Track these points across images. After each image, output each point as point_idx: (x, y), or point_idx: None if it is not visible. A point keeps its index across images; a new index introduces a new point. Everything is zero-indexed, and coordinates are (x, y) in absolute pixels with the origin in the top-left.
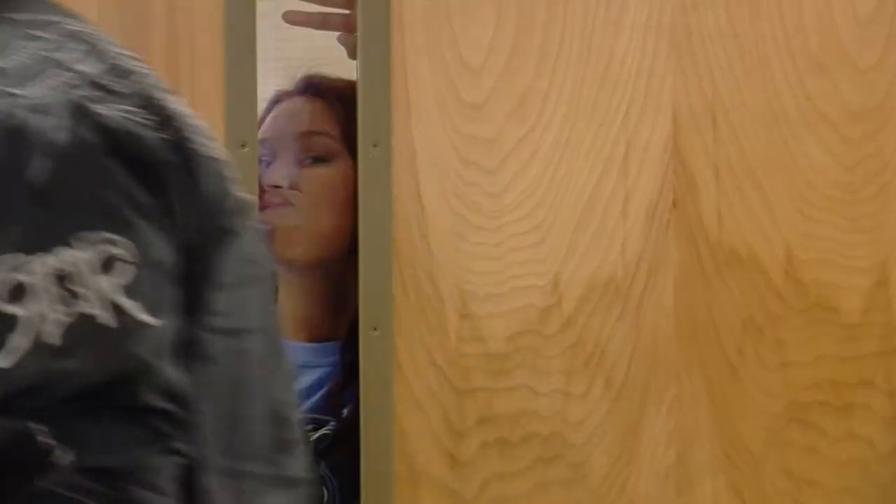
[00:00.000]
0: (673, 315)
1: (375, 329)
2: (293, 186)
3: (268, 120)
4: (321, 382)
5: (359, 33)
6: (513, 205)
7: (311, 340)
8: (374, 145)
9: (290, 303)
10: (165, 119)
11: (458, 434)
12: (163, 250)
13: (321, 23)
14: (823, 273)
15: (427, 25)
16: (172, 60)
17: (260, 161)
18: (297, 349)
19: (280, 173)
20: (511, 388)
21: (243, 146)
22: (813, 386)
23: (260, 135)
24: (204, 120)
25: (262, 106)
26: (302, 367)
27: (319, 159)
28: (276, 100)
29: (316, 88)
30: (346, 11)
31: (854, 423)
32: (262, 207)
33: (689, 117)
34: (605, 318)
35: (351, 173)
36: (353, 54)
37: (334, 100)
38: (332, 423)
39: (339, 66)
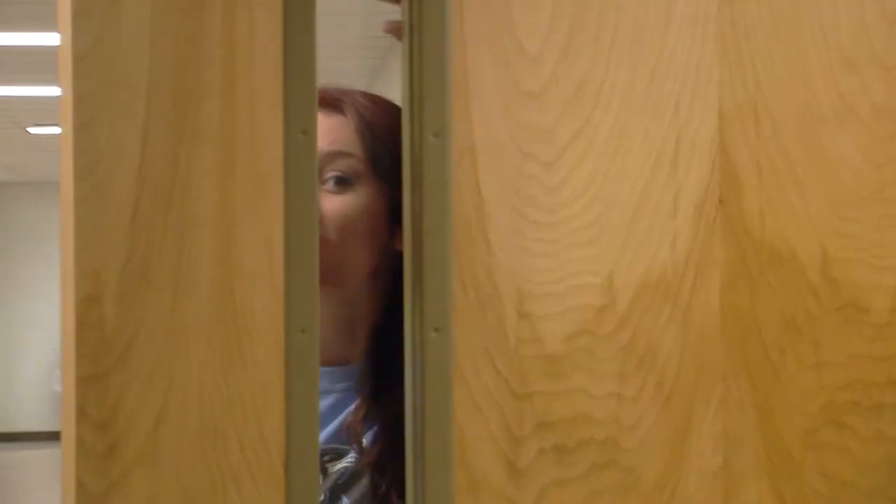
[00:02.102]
0: (719, 315)
1: (437, 330)
2: (320, 212)
3: None
4: (336, 409)
5: (414, 19)
6: (570, 199)
7: (323, 364)
8: (435, 135)
9: None
10: None
11: (516, 440)
12: None
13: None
14: (855, 272)
15: (485, 11)
16: (230, 44)
17: None
18: None
19: None
20: (568, 391)
21: (304, 133)
22: (846, 386)
23: None
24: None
25: None
26: None
27: (342, 181)
28: None
29: (334, 102)
30: None
31: (883, 423)
32: None
33: (734, 111)
34: (656, 319)
35: (375, 196)
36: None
37: (355, 115)
38: (352, 455)
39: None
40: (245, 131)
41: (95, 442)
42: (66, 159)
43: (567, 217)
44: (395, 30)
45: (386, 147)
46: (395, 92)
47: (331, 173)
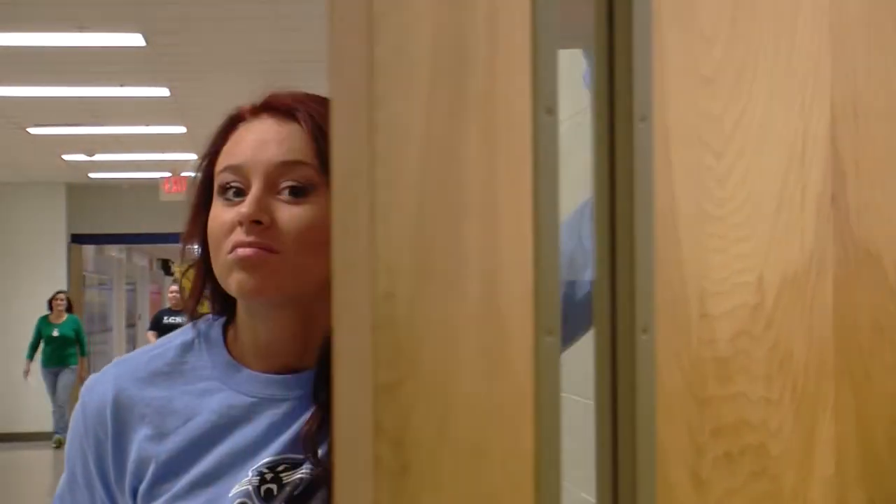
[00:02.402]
0: (832, 316)
1: (645, 331)
2: (273, 223)
3: (231, 143)
4: (291, 417)
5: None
6: (733, 192)
7: (276, 371)
8: (642, 120)
9: (253, 332)
10: None
11: (698, 448)
12: None
13: None
14: None
15: None
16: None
17: (228, 188)
18: (260, 381)
19: (258, 206)
20: (733, 395)
21: (549, 112)
22: None
23: (228, 161)
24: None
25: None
26: (268, 400)
27: (299, 190)
28: (236, 118)
29: (287, 110)
30: None
31: None
32: (237, 246)
33: (840, 107)
34: (791, 318)
35: (330, 205)
36: None
37: (309, 122)
38: (307, 465)
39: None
40: (502, 110)
41: (391, 460)
42: (354, 142)
43: (731, 211)
44: None
45: None
46: None
47: (286, 183)
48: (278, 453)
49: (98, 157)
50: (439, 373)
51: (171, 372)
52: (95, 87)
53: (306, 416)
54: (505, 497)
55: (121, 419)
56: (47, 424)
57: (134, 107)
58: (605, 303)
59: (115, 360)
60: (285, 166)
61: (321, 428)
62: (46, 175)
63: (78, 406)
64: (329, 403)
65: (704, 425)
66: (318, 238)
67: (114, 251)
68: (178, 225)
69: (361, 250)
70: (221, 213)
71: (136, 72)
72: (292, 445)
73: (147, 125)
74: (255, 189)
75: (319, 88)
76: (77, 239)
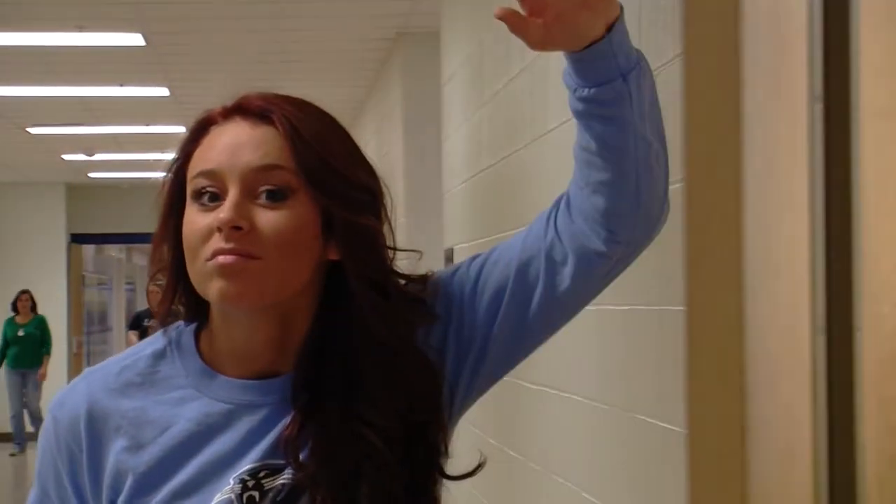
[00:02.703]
0: None
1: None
2: (252, 229)
3: (204, 147)
4: (268, 423)
5: None
6: None
7: (252, 376)
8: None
9: (229, 337)
10: None
11: None
12: None
13: None
14: None
15: None
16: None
17: (202, 193)
18: (236, 387)
19: (237, 212)
20: None
21: None
22: None
23: (202, 166)
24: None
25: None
26: (245, 406)
27: (276, 195)
28: (208, 121)
29: (262, 112)
30: None
31: None
32: (217, 253)
33: None
34: None
35: (308, 207)
36: None
37: (285, 125)
38: (289, 470)
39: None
40: None
41: None
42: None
43: None
44: (507, 16)
45: (318, 154)
46: (395, 94)
47: (264, 188)
48: (258, 460)
49: (98, 156)
50: None
51: (144, 382)
52: (95, 86)
53: (285, 420)
54: None
55: (95, 432)
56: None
57: (133, 106)
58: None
59: (84, 372)
60: (262, 170)
61: (301, 432)
62: (46, 175)
63: (48, 421)
64: (308, 407)
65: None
66: (297, 242)
67: (113, 251)
68: None
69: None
70: (197, 219)
71: (135, 71)
72: (272, 451)
73: (147, 125)
74: (232, 194)
75: (318, 88)
76: (77, 239)
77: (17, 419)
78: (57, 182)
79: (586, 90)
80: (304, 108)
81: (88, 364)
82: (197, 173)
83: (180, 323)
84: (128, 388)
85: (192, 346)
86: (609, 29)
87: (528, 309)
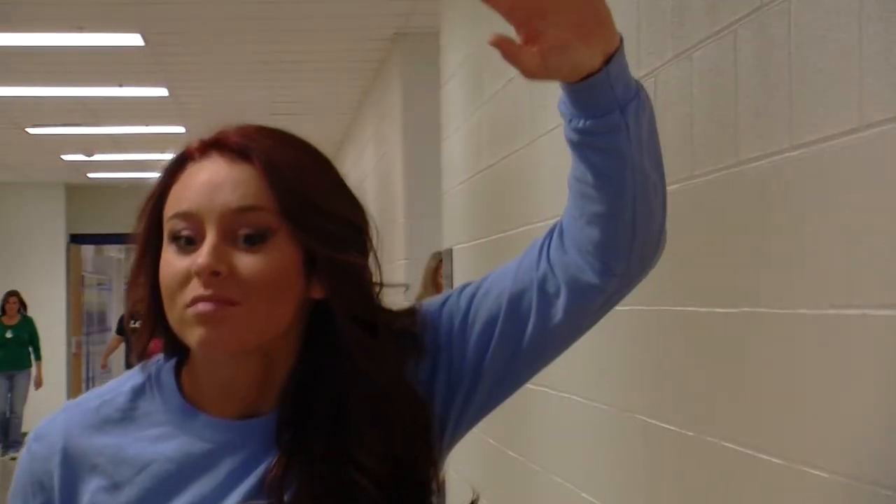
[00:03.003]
0: None
1: None
2: (231, 273)
3: (180, 185)
4: (250, 464)
5: None
6: None
7: (234, 415)
8: None
9: (211, 376)
10: None
11: None
12: None
13: None
14: None
15: None
16: None
17: (178, 237)
18: (218, 426)
19: (215, 257)
20: None
21: None
22: None
23: (178, 206)
24: None
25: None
26: (226, 446)
27: (255, 238)
28: (184, 157)
29: (240, 150)
30: None
31: None
32: (196, 300)
33: None
34: None
35: (290, 246)
36: None
37: (264, 162)
38: None
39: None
40: None
41: None
42: None
43: None
44: (501, 43)
45: (298, 192)
46: (395, 94)
47: (243, 231)
48: (241, 502)
49: (97, 157)
50: None
51: (123, 418)
52: (94, 87)
53: (267, 461)
54: None
55: (70, 470)
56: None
57: (133, 107)
58: None
59: (64, 405)
60: (240, 212)
61: (287, 472)
62: (45, 175)
63: (24, 454)
64: (293, 447)
65: None
66: (279, 285)
67: (113, 251)
68: None
69: None
70: (175, 262)
71: (134, 72)
72: (255, 492)
73: (146, 125)
74: (210, 238)
75: (317, 89)
76: (76, 239)
77: (2, 421)
78: (56, 182)
79: (582, 121)
80: (283, 143)
81: (87, 364)
82: (174, 214)
83: (160, 356)
84: (106, 425)
85: (172, 383)
86: (608, 59)
87: (520, 341)
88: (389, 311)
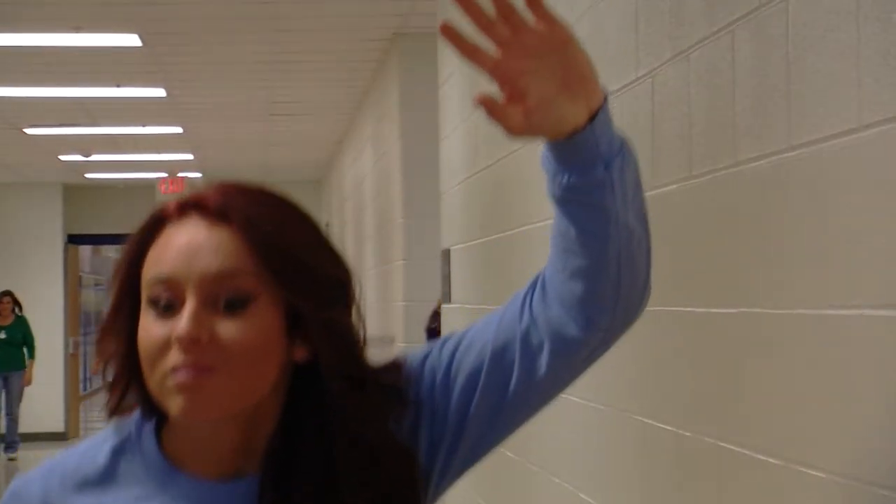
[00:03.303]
0: None
1: None
2: (212, 340)
3: (159, 247)
4: None
5: None
6: None
7: (218, 477)
8: None
9: (192, 439)
10: None
11: None
12: None
13: None
14: None
15: None
16: None
17: (156, 302)
18: (201, 488)
19: (195, 324)
20: None
21: None
22: None
23: (158, 270)
24: None
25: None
26: None
27: (236, 304)
28: (161, 217)
29: (218, 211)
30: None
31: None
32: (175, 369)
33: None
34: None
35: (272, 309)
36: None
37: (243, 223)
38: None
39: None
40: None
41: None
42: None
43: None
44: (485, 102)
45: (279, 251)
46: (393, 94)
47: (223, 296)
48: None
49: (94, 157)
50: None
51: (103, 479)
52: (92, 87)
53: None
54: None
55: None
56: (54, 425)
57: (130, 107)
58: None
59: (44, 464)
60: (221, 277)
61: None
62: (43, 175)
63: None
64: None
65: None
66: (261, 351)
67: (110, 252)
68: None
69: None
70: (153, 328)
71: (132, 72)
72: None
73: (143, 126)
74: (190, 304)
75: (315, 89)
76: (73, 239)
77: None
78: (54, 183)
79: (567, 177)
80: (263, 201)
81: (85, 364)
82: (153, 279)
83: (136, 413)
84: (85, 486)
85: (152, 443)
86: (593, 115)
87: (504, 395)
88: (376, 367)
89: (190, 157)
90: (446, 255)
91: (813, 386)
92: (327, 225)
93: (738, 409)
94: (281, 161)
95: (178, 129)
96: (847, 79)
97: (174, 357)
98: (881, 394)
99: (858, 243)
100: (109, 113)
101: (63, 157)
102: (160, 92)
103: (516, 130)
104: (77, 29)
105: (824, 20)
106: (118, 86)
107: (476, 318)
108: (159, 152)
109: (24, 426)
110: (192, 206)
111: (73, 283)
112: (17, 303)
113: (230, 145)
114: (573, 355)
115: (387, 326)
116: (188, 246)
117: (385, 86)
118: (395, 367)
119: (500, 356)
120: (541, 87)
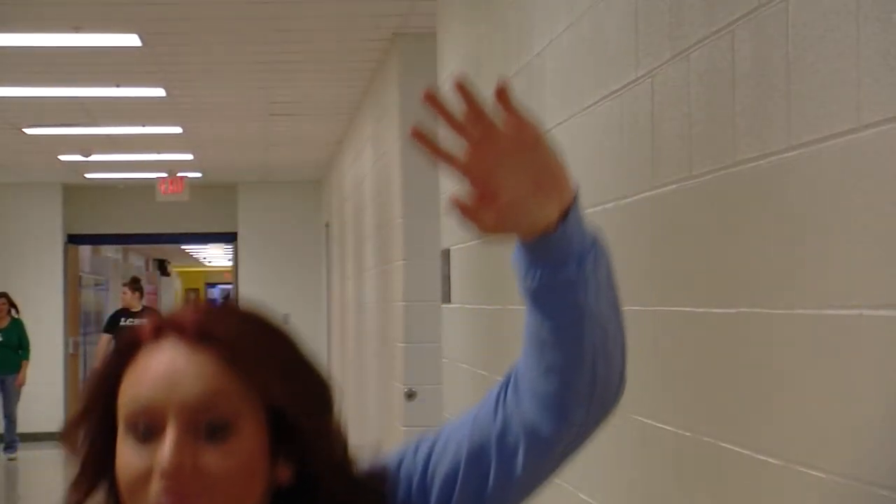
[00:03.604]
0: None
1: None
2: (195, 469)
3: (138, 371)
4: None
5: None
6: None
7: None
8: None
9: None
10: None
11: None
12: None
13: None
14: None
15: None
16: None
17: (135, 428)
18: None
19: (178, 455)
20: None
21: None
22: None
23: (137, 397)
24: None
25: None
26: None
27: (218, 432)
28: (136, 341)
29: (200, 334)
30: None
31: None
32: (160, 500)
33: None
34: None
35: (255, 431)
36: None
37: (226, 346)
38: None
39: None
40: None
41: None
42: None
43: None
44: (458, 203)
45: (263, 369)
46: (393, 94)
47: (205, 422)
48: None
49: (94, 157)
50: None
51: None
52: (91, 87)
53: None
54: None
55: None
56: (54, 425)
57: (130, 107)
58: None
59: None
60: (202, 404)
61: None
62: (42, 175)
63: None
64: None
65: None
66: (245, 477)
67: (110, 251)
68: (175, 225)
69: None
70: (133, 458)
71: (131, 72)
72: None
73: (143, 125)
74: (171, 434)
75: (315, 89)
76: (73, 239)
77: None
78: (53, 182)
79: (538, 275)
80: (243, 321)
81: (85, 365)
82: (132, 406)
83: None
84: None
85: None
86: (564, 212)
87: (482, 495)
88: (362, 476)
89: (190, 156)
90: (446, 255)
91: (813, 386)
92: (327, 225)
93: (738, 409)
94: (281, 161)
95: (178, 129)
96: (847, 79)
97: (156, 487)
98: (881, 394)
99: (858, 243)
100: (109, 113)
101: (63, 157)
102: (160, 92)
103: (488, 229)
104: (77, 29)
105: (824, 20)
106: (118, 86)
107: (476, 318)
108: (159, 152)
109: (24, 426)
110: (169, 328)
111: (72, 283)
112: (12, 305)
113: (230, 145)
114: (549, 452)
115: (387, 326)
116: (167, 371)
117: (385, 86)
118: (380, 474)
119: (476, 457)
120: (512, 187)
